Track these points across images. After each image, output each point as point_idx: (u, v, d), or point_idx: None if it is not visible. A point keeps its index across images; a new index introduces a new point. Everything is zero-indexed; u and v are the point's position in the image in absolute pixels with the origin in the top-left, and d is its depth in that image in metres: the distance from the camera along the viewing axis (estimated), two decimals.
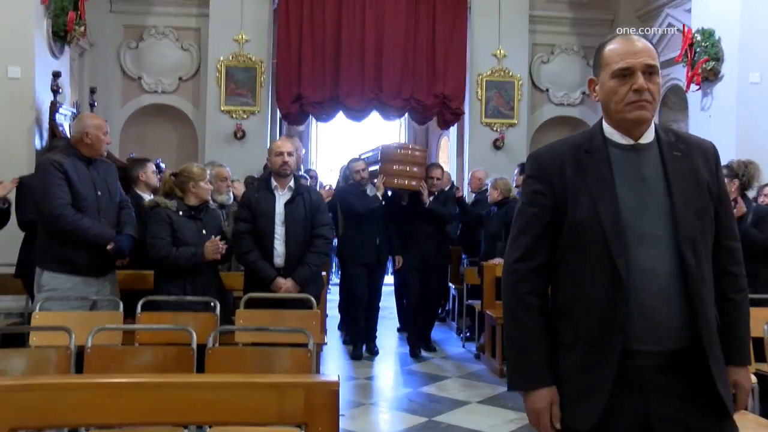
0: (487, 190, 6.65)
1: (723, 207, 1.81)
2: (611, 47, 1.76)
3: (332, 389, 1.81)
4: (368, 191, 6.11)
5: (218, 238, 4.01)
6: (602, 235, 1.68)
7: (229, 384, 1.83)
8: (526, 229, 1.79)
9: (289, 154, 4.24)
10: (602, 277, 1.68)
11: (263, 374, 2.66)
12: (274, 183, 4.30)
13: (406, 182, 6.17)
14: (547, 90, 9.71)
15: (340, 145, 13.73)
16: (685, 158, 1.76)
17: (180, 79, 9.28)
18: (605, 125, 1.80)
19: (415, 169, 6.19)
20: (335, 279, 8.90)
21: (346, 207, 5.92)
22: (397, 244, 6.32)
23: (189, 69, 9.30)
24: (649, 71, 1.71)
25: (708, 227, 1.74)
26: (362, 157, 6.55)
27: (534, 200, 1.79)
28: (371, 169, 6.22)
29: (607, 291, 1.67)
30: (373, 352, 6.13)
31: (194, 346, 2.89)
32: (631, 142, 1.76)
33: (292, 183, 4.31)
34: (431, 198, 6.16)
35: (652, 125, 1.78)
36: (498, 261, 5.88)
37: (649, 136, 1.77)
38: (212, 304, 3.72)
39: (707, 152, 1.82)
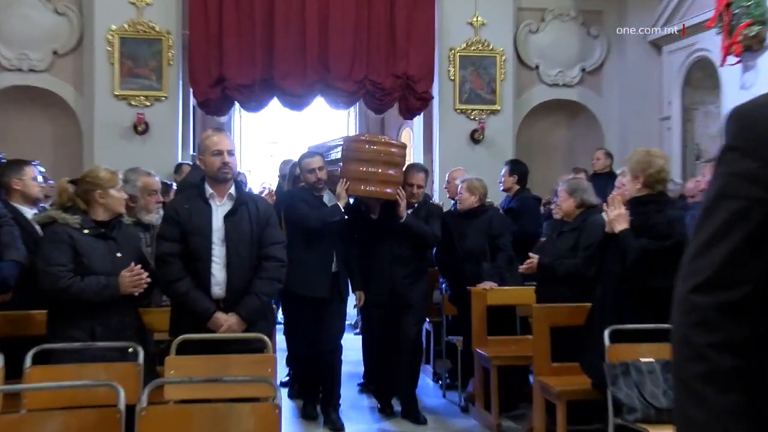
0: None
1: None
2: None
3: None
4: (325, 199, 5.74)
5: (139, 265, 3.94)
6: None
7: None
8: (720, 236, 1.36)
9: (230, 152, 4.22)
10: None
11: None
12: (209, 190, 4.23)
13: (379, 189, 5.76)
14: (537, 67, 9.92)
15: (267, 143, 13.69)
16: None
17: (55, 53, 9.11)
18: None
19: (390, 171, 5.78)
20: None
21: (295, 219, 5.54)
22: (359, 276, 5.91)
23: (67, 40, 9.13)
24: None
25: None
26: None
27: (737, 188, 1.35)
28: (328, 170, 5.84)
29: None
30: (338, 427, 5.57)
31: (122, 407, 2.82)
32: None
33: (232, 190, 4.27)
34: (409, 211, 5.83)
35: None
36: (489, 285, 5.86)
37: None
38: (131, 350, 3.66)
39: None
